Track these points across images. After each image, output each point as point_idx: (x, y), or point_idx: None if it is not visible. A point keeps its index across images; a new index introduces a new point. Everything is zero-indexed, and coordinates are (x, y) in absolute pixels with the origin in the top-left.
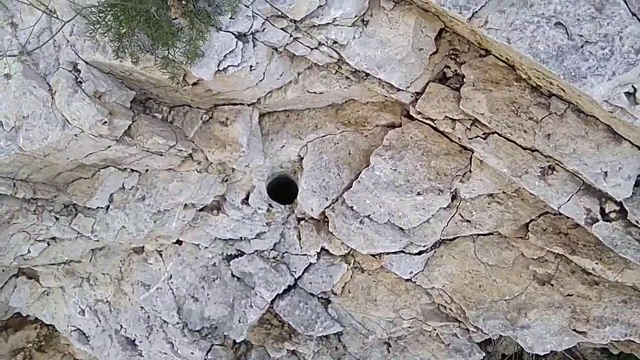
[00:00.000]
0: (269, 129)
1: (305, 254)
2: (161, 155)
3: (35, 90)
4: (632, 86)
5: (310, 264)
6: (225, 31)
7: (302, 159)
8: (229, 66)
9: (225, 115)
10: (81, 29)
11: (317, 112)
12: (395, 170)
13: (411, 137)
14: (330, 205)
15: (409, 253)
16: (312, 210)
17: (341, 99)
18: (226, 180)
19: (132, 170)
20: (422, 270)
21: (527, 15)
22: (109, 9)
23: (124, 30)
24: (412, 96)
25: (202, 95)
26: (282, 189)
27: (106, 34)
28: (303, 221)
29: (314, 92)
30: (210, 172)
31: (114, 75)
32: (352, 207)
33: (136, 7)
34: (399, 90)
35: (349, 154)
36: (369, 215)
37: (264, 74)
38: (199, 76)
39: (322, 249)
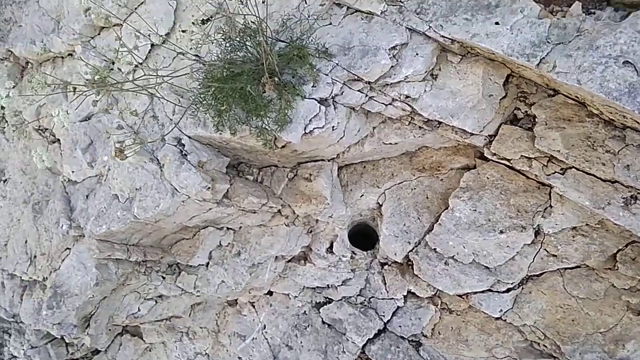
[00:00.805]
0: (348, 180)
1: (392, 298)
2: (254, 212)
3: (145, 165)
4: None
5: (398, 307)
6: (309, 98)
7: (380, 206)
8: (314, 129)
9: (308, 172)
10: (183, 108)
11: (392, 161)
12: (475, 210)
13: (487, 178)
14: (413, 248)
15: (496, 291)
16: (395, 254)
17: (415, 146)
18: (311, 232)
19: (228, 228)
20: (512, 308)
21: (594, 57)
22: (208, 90)
23: (223, 107)
24: (485, 139)
25: (288, 155)
26: (361, 236)
27: (207, 112)
28: (386, 266)
29: (390, 143)
30: (297, 225)
31: (211, 145)
32: (435, 249)
33: (232, 86)
34: (472, 134)
35: (427, 198)
36: (453, 256)
37: (344, 131)
38: (289, 140)
39: (409, 291)
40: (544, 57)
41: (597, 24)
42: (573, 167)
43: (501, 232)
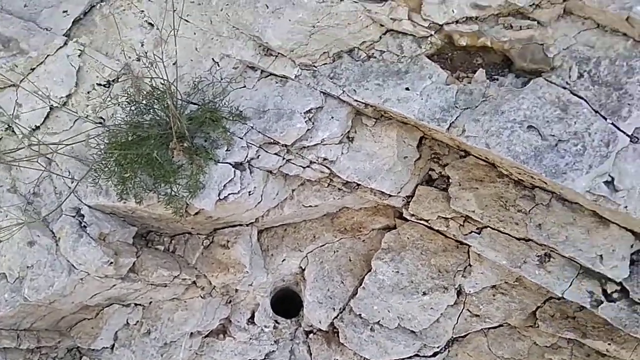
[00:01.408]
0: (268, 245)
1: None
2: (165, 286)
3: (39, 239)
4: (609, 175)
5: None
6: (223, 162)
7: (303, 270)
8: (229, 194)
9: (225, 238)
10: (83, 174)
11: (314, 223)
12: (398, 272)
13: (407, 238)
14: (338, 315)
15: (423, 356)
16: (320, 322)
17: (335, 208)
18: (230, 302)
19: (136, 304)
20: None
21: (500, 122)
22: (111, 156)
23: (127, 174)
24: (403, 200)
25: (203, 222)
26: (285, 302)
27: (109, 179)
28: (312, 334)
29: (310, 206)
30: (214, 296)
31: (116, 215)
32: (360, 314)
33: (138, 152)
34: (390, 196)
35: (350, 260)
36: (378, 321)
37: (261, 196)
38: (201, 207)
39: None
40: (453, 122)
41: (500, 90)
42: (488, 226)
43: (424, 293)
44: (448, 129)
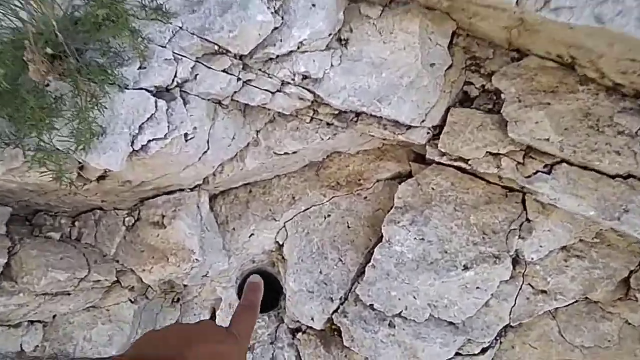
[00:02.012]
0: (227, 215)
1: None
2: (68, 294)
3: None
4: None
5: None
6: (134, 89)
7: (281, 246)
8: (149, 141)
9: (159, 213)
10: None
11: (292, 179)
12: (423, 239)
13: (432, 189)
14: (338, 307)
15: (467, 354)
16: (312, 319)
17: (322, 154)
18: (178, 300)
19: (30, 322)
20: None
21: None
22: None
23: None
24: (428, 132)
25: (117, 191)
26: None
27: None
28: (300, 334)
29: (285, 153)
30: (152, 297)
31: None
32: (371, 305)
33: None
34: (409, 127)
35: (348, 227)
36: (399, 312)
37: (207, 142)
38: (103, 167)
39: None
40: None
41: None
42: (566, 161)
43: (465, 267)
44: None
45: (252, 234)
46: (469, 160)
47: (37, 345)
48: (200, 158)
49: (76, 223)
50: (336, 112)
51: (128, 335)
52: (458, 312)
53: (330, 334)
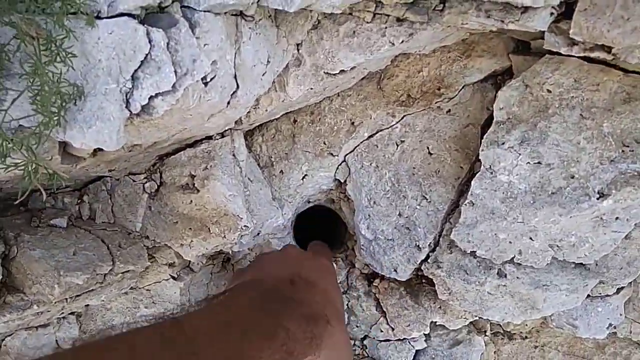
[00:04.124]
0: (271, 155)
1: (404, 339)
2: (92, 291)
3: None
4: None
5: (418, 351)
6: (110, 17)
7: (342, 184)
8: (152, 97)
9: (186, 172)
10: None
11: (346, 99)
12: (540, 163)
13: (548, 91)
14: (428, 256)
15: (599, 296)
16: (395, 271)
17: (386, 60)
18: (228, 261)
19: (61, 318)
20: (624, 314)
21: None
22: None
23: None
24: (552, 13)
25: (126, 157)
26: (308, 223)
27: None
28: (379, 281)
29: (341, 72)
30: (197, 269)
31: None
32: (473, 252)
33: None
34: (527, 10)
35: (430, 154)
36: (511, 258)
37: (235, 78)
38: (92, 146)
39: (432, 323)
40: None
41: None
42: None
43: (602, 195)
44: None
45: (306, 175)
46: (612, 49)
47: (75, 340)
48: (228, 102)
49: (84, 198)
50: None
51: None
52: (590, 251)
53: (417, 282)
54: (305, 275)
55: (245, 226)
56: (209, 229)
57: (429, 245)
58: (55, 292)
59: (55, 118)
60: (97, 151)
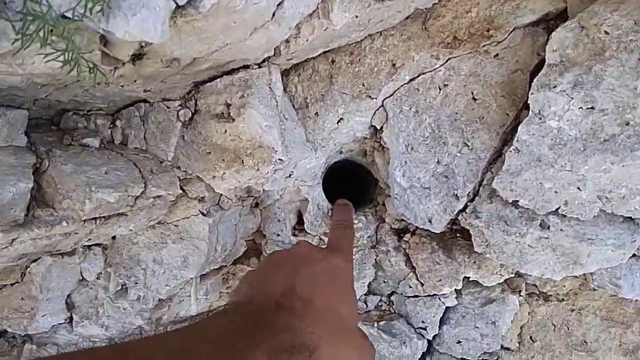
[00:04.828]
0: (306, 96)
1: (434, 295)
2: (126, 215)
3: None
4: None
5: (448, 308)
6: None
7: (379, 131)
8: None
9: (222, 100)
10: None
11: (389, 39)
12: (593, 108)
13: (605, 33)
14: (466, 206)
15: None
16: (429, 221)
17: None
18: (257, 205)
19: (87, 247)
20: None
21: None
22: None
23: None
24: None
25: (163, 75)
26: (336, 179)
27: None
28: (409, 235)
29: None
30: (226, 206)
31: None
32: (515, 201)
33: None
34: None
35: (474, 99)
36: (556, 209)
37: None
38: (137, 37)
39: (465, 279)
40: None
41: None
42: None
43: None
44: None
45: (341, 119)
46: None
47: (100, 273)
48: (274, 14)
49: (117, 123)
50: None
51: (206, 253)
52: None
53: (451, 236)
54: (301, 289)
55: (279, 159)
56: (242, 161)
57: (467, 194)
58: (86, 208)
59: (96, 4)
60: (135, 60)
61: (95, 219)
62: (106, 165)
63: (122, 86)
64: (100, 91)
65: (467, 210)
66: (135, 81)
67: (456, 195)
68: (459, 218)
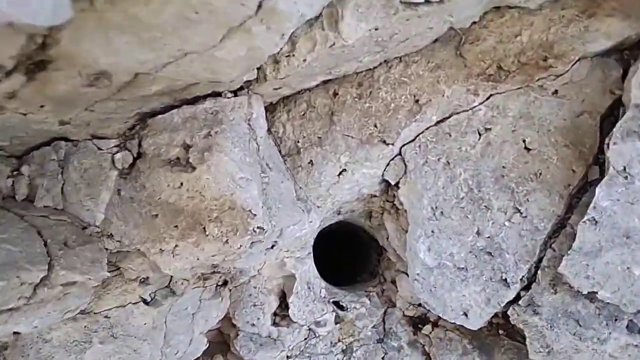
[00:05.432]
0: (298, 139)
1: None
2: (14, 310)
3: None
4: None
5: None
6: None
7: (392, 187)
8: None
9: (179, 140)
10: None
11: (411, 66)
12: None
13: None
14: (518, 295)
15: None
16: (465, 315)
17: (482, 7)
18: (225, 284)
19: None
20: None
21: None
22: None
23: None
24: None
25: (87, 99)
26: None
27: None
28: (430, 327)
29: (426, 2)
30: (181, 292)
31: None
32: (593, 292)
33: None
34: None
35: (527, 149)
36: None
37: None
38: (10, 18)
39: None
40: None
41: None
42: None
43: None
44: None
45: (344, 170)
46: None
47: None
48: (260, 5)
49: (23, 169)
50: None
51: (148, 353)
52: None
53: (490, 333)
54: None
55: (259, 228)
56: (204, 228)
57: (521, 279)
58: None
59: None
60: (35, 71)
61: None
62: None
63: (24, 114)
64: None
65: (520, 303)
66: (42, 107)
67: (504, 280)
68: (508, 312)
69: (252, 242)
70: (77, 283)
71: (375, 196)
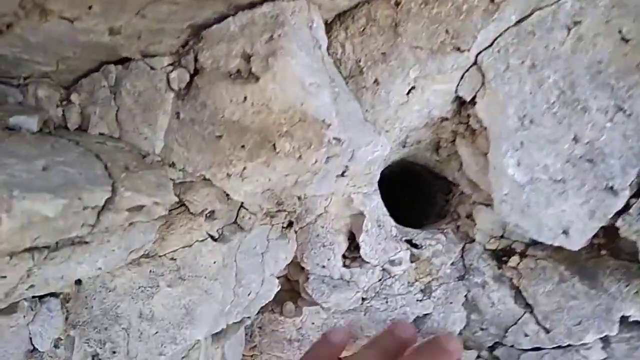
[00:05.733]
0: (360, 58)
1: (569, 345)
2: (81, 243)
3: None
4: None
5: None
6: None
7: (467, 105)
8: None
9: (238, 49)
10: None
11: None
12: None
13: None
14: (627, 204)
15: None
16: (565, 234)
17: None
18: (290, 226)
19: (39, 299)
20: None
21: None
22: None
23: None
24: None
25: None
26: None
27: None
28: (518, 258)
29: None
30: (248, 226)
31: None
32: None
33: None
34: None
35: (624, 40)
36: None
37: None
38: None
39: (622, 318)
40: None
41: None
42: None
43: None
44: None
45: (413, 88)
46: None
47: (59, 338)
48: None
49: (73, 97)
50: None
51: (220, 300)
52: None
53: (591, 255)
54: None
55: (335, 139)
56: (274, 145)
57: (630, 185)
58: (3, 229)
59: None
60: None
61: (31, 249)
62: (46, 157)
63: (71, 21)
64: (36, 31)
65: (630, 212)
66: (90, 8)
67: (611, 187)
68: (617, 224)
69: (328, 157)
70: (144, 209)
71: (446, 119)
